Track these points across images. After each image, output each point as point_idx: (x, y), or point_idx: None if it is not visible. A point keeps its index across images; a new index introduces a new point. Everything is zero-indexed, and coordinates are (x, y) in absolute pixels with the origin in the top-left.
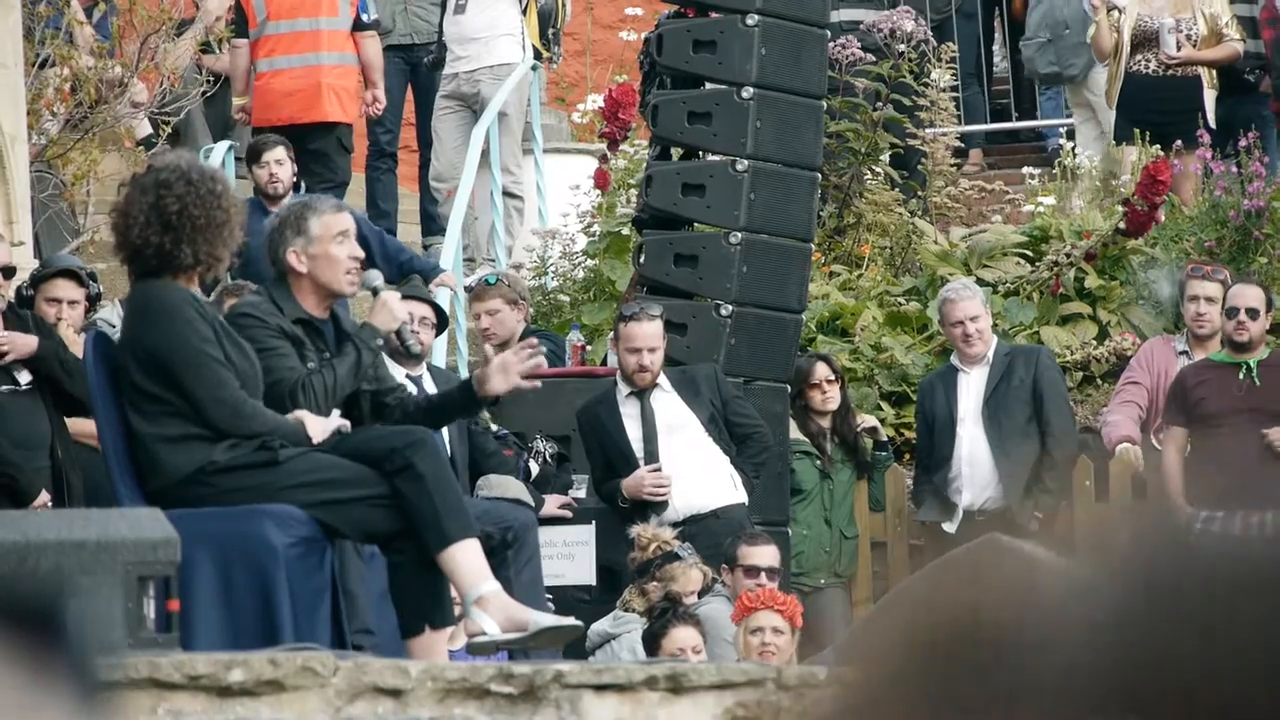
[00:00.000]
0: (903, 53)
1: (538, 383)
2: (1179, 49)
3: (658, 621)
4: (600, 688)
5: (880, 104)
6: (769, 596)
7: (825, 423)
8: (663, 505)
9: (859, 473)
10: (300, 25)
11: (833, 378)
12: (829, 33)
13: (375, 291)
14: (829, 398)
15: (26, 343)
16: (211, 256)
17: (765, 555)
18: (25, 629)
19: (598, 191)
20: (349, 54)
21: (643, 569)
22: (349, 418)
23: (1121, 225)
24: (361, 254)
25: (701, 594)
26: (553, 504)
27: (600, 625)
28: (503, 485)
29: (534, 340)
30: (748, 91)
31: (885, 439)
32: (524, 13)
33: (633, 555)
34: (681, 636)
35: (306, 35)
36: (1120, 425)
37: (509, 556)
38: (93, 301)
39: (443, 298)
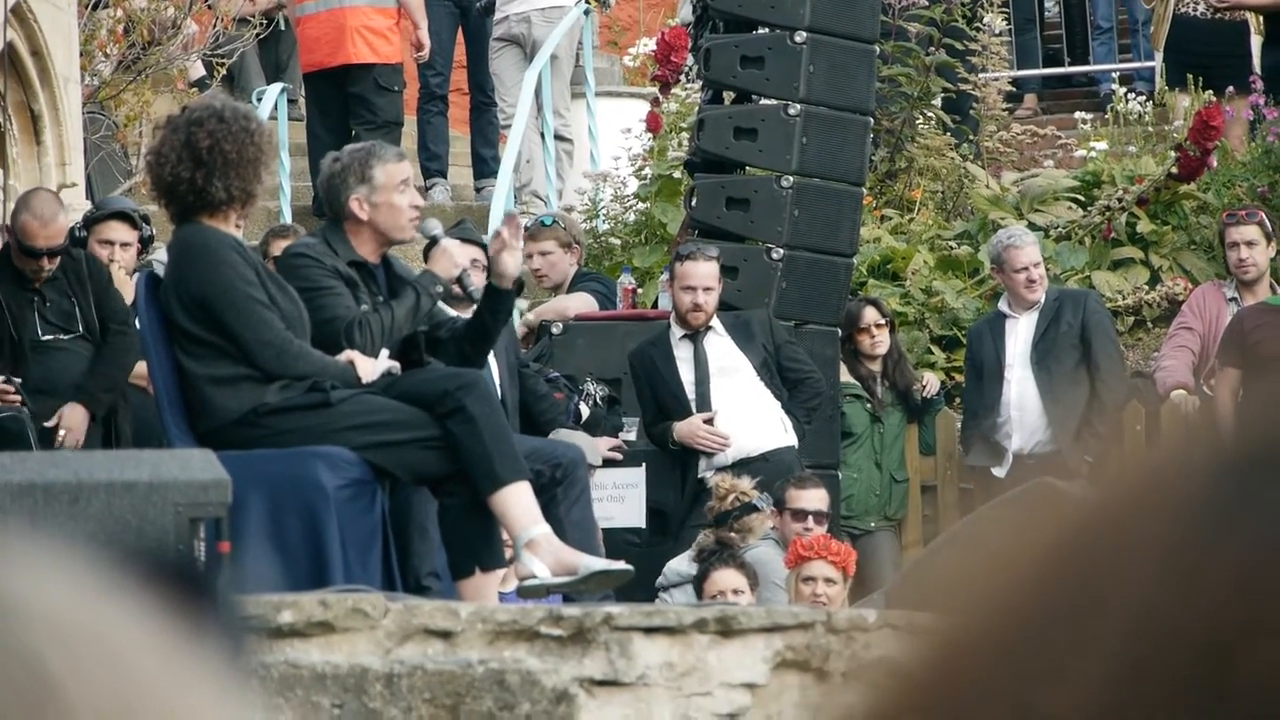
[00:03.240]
0: None
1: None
2: None
3: (704, 564)
4: (650, 630)
5: (933, 48)
6: (823, 545)
7: (875, 366)
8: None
9: (909, 416)
10: None
11: (882, 322)
12: None
13: (435, 240)
14: (878, 342)
15: (81, 426)
16: (244, 192)
17: (814, 499)
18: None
19: (649, 135)
20: None
21: (721, 519)
22: (408, 361)
23: (1173, 170)
24: (422, 202)
25: None
26: (603, 446)
27: (678, 565)
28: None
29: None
30: (800, 36)
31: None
32: None
33: (710, 505)
34: (724, 579)
35: None
36: (1175, 371)
37: (559, 494)
38: (145, 244)
39: None
